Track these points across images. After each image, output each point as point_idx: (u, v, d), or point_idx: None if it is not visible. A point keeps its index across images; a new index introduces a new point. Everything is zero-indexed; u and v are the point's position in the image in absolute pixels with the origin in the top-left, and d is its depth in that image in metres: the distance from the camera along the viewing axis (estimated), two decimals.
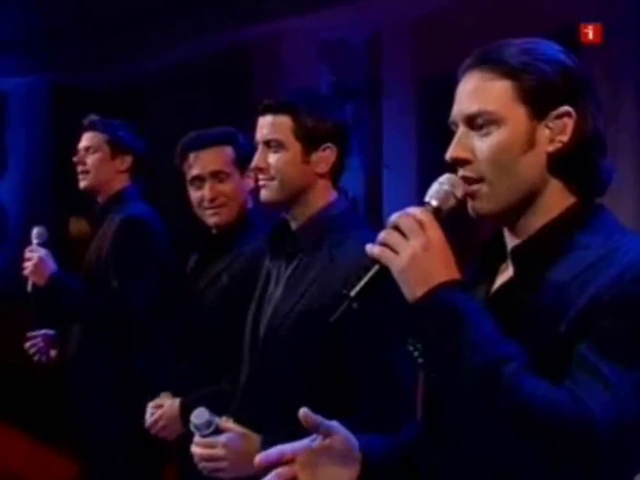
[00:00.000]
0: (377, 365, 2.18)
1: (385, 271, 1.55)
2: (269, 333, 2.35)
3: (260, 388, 2.35)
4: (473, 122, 1.61)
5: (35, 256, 3.53)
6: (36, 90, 7.95)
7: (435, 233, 1.55)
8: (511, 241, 1.65)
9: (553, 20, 4.22)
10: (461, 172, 1.62)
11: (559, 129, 1.59)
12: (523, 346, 1.50)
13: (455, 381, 1.50)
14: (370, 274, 1.56)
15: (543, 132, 1.59)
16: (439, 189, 1.60)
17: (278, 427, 2.25)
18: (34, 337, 3.75)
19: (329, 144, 2.36)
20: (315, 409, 2.22)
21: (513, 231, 1.64)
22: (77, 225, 6.69)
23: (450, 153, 1.62)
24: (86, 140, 3.73)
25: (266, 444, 2.24)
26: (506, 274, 1.66)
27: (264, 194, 2.38)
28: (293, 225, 2.40)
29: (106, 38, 6.80)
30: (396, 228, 1.55)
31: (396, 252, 1.54)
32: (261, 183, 2.38)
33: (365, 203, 6.00)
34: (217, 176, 2.93)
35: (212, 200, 2.92)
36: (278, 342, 2.31)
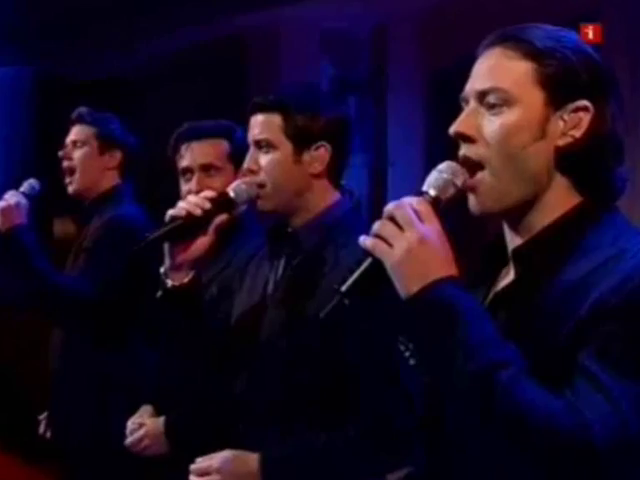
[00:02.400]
0: (377, 366, 2.22)
1: (379, 265, 1.54)
2: (270, 340, 2.37)
3: (259, 397, 2.38)
4: (485, 99, 1.61)
5: (12, 200, 3.49)
6: (20, 81, 7.95)
7: (433, 225, 1.54)
8: (512, 241, 1.65)
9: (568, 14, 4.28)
10: (463, 150, 1.62)
11: (573, 123, 1.60)
12: (524, 351, 1.50)
13: (449, 385, 1.50)
14: (362, 268, 1.55)
15: (556, 123, 1.60)
16: (438, 177, 1.60)
17: (278, 438, 2.30)
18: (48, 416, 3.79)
19: (322, 142, 2.38)
20: (316, 417, 2.27)
21: (514, 230, 1.64)
22: (62, 226, 6.71)
23: (455, 127, 1.62)
24: (74, 134, 3.72)
25: (265, 462, 2.29)
26: (507, 278, 1.66)
27: (259, 204, 2.39)
28: (290, 229, 2.42)
29: (93, 28, 6.81)
30: (391, 219, 1.54)
31: (390, 245, 1.53)
32: (256, 193, 2.39)
33: (369, 203, 6.02)
34: (207, 170, 2.92)
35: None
36: (279, 349, 2.34)
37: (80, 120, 3.74)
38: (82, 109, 3.77)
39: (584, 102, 1.60)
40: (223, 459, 2.31)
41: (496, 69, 1.62)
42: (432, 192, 1.59)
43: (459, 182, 1.61)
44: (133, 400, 3.16)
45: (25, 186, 3.60)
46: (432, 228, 1.54)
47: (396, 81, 6.43)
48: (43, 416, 3.80)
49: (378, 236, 1.55)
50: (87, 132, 3.71)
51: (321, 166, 2.39)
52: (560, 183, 1.62)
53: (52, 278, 3.49)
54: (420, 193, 1.60)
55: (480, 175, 1.61)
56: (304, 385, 2.30)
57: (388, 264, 1.53)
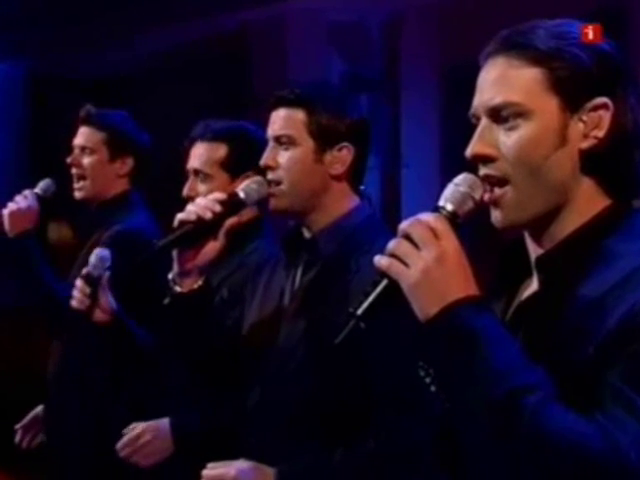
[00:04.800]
0: (398, 381, 2.22)
1: (395, 286, 1.54)
2: (285, 352, 2.39)
3: (273, 411, 2.40)
4: (497, 115, 1.60)
5: (23, 204, 3.48)
6: (12, 79, 7.97)
7: (450, 243, 1.54)
8: (535, 250, 1.65)
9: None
10: (483, 170, 1.62)
11: (594, 123, 1.59)
12: (548, 369, 1.50)
13: (472, 412, 1.50)
14: (378, 290, 1.55)
15: (576, 126, 1.59)
16: (455, 191, 1.60)
17: (291, 453, 2.32)
18: (24, 425, 3.76)
19: (345, 143, 2.41)
20: (331, 433, 2.29)
21: (538, 239, 1.64)
22: (57, 230, 6.73)
23: (471, 149, 1.62)
24: (82, 138, 3.65)
25: (283, 477, 2.30)
26: (531, 288, 1.66)
27: (273, 203, 2.42)
28: (306, 233, 2.45)
29: (89, 22, 6.83)
30: (407, 237, 1.54)
31: (406, 265, 1.53)
32: (270, 191, 2.43)
33: (382, 207, 6.02)
34: (198, 174, 2.99)
35: (188, 198, 2.93)
36: (295, 362, 2.36)
37: (88, 122, 3.66)
38: (90, 109, 3.68)
39: (602, 99, 1.60)
40: (240, 468, 2.33)
41: (504, 81, 1.61)
42: (449, 207, 1.60)
43: (477, 195, 1.61)
44: (133, 411, 3.17)
45: (40, 186, 3.57)
46: (449, 246, 1.54)
47: (410, 78, 6.44)
48: (19, 425, 3.79)
49: (393, 255, 1.55)
50: (96, 138, 3.64)
51: (342, 167, 2.42)
52: (587, 186, 1.62)
53: (51, 287, 3.50)
54: (436, 208, 1.60)
55: (503, 189, 1.61)
56: (321, 399, 2.32)
57: (404, 285, 1.53)
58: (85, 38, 7.11)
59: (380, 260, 1.56)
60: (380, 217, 2.59)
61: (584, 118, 1.60)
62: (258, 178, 2.44)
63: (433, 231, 1.54)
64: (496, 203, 1.62)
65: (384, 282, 1.55)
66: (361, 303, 1.56)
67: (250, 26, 6.77)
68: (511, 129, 1.60)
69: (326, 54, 6.57)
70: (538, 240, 1.65)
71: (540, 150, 1.59)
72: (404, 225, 1.56)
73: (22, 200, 3.50)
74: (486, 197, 1.61)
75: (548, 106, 1.60)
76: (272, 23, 6.62)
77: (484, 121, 1.63)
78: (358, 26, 6.62)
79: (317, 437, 2.31)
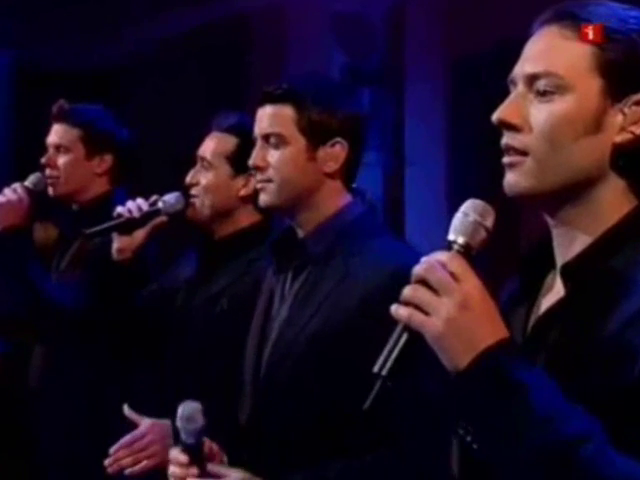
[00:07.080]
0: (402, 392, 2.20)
1: (417, 337, 1.48)
2: (274, 362, 2.38)
3: (265, 426, 2.38)
4: (534, 83, 1.57)
5: (13, 196, 3.46)
6: None
7: (471, 283, 1.48)
8: (560, 252, 1.60)
9: None
10: (505, 139, 1.58)
11: (635, 118, 1.56)
12: (584, 394, 1.44)
13: (521, 466, 1.43)
14: (400, 345, 1.49)
15: (615, 117, 1.56)
16: (464, 221, 1.55)
17: (285, 470, 2.29)
18: None
19: (339, 139, 2.40)
20: (328, 448, 2.26)
21: (563, 240, 1.59)
22: (43, 231, 6.72)
23: (499, 113, 1.58)
24: (56, 136, 3.65)
25: None
26: (554, 293, 1.61)
27: (262, 198, 2.43)
28: (300, 233, 2.44)
29: (77, 10, 6.83)
30: (423, 283, 1.49)
31: (427, 314, 1.47)
32: (258, 186, 2.42)
33: (384, 206, 6.00)
34: (202, 162, 3.03)
35: (189, 186, 3.03)
36: (285, 372, 2.35)
37: (62, 118, 3.66)
38: (64, 105, 3.67)
39: None
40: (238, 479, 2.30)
41: (550, 51, 1.58)
42: (460, 240, 1.54)
43: (488, 223, 1.55)
44: (122, 420, 3.16)
45: (31, 179, 3.57)
46: (471, 287, 1.48)
47: (414, 71, 6.41)
48: None
49: (411, 304, 1.49)
50: (71, 135, 3.64)
51: (336, 165, 2.42)
52: (615, 184, 1.58)
53: (43, 287, 3.47)
54: (448, 244, 1.55)
55: (522, 157, 1.58)
56: (313, 409, 2.30)
57: (429, 336, 1.48)
58: (72, 28, 7.11)
59: (398, 310, 1.49)
60: (377, 215, 2.57)
61: (625, 110, 1.56)
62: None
63: (451, 273, 1.48)
64: (512, 166, 1.58)
65: (405, 336, 1.49)
66: (385, 362, 1.50)
67: (250, 15, 6.77)
68: (545, 102, 1.56)
69: (328, 45, 6.57)
70: (564, 242, 1.59)
71: (570, 130, 1.55)
72: (418, 269, 1.50)
73: (11, 193, 3.48)
74: (505, 160, 1.58)
75: (590, 86, 1.56)
76: (272, 13, 6.62)
77: (520, 87, 1.59)
78: (361, 17, 6.61)
79: (312, 451, 2.29)
